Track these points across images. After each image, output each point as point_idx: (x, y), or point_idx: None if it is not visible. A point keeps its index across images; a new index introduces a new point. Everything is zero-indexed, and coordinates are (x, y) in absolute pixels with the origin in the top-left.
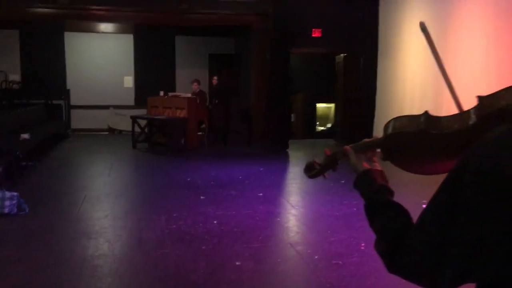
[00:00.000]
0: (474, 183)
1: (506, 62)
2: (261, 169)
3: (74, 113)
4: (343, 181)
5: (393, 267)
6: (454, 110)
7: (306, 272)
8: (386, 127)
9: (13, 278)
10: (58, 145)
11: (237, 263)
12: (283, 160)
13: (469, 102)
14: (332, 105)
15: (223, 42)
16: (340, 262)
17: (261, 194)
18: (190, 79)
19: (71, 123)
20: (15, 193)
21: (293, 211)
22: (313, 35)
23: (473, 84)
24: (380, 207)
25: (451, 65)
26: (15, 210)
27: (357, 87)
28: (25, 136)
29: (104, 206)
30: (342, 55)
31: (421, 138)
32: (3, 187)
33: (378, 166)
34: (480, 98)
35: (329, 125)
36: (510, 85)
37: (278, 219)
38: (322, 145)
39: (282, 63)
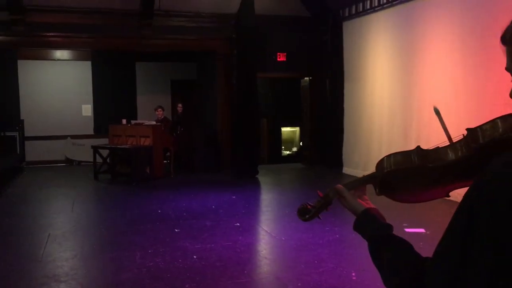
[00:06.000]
0: (487, 212)
1: (474, 87)
2: (234, 197)
3: (29, 144)
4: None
5: None
6: (425, 132)
7: None
8: (380, 164)
9: None
10: (13, 180)
11: None
12: (255, 186)
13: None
14: (297, 129)
15: (185, 68)
16: None
17: (238, 224)
18: (152, 106)
19: (25, 156)
20: None
21: (274, 241)
22: (278, 59)
23: (442, 113)
24: (386, 243)
25: (418, 91)
26: None
27: (324, 110)
28: None
29: (71, 245)
30: (307, 78)
31: (416, 172)
32: None
33: (370, 203)
34: (471, 130)
35: (295, 149)
36: (477, 113)
37: (260, 250)
38: (289, 170)
39: (249, 87)
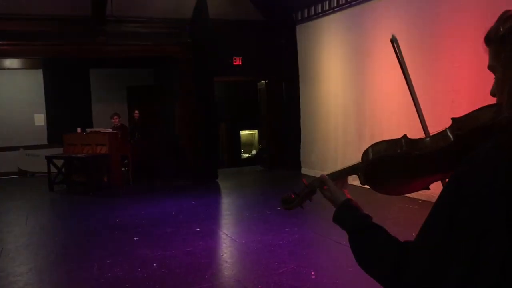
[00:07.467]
0: (470, 200)
1: (423, 86)
2: (194, 202)
3: None
4: (279, 208)
5: (397, 286)
6: (378, 130)
7: None
8: (366, 153)
9: None
10: None
11: None
12: (214, 190)
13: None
14: (256, 132)
15: (141, 74)
16: None
17: (198, 229)
18: (108, 113)
19: None
20: None
21: (235, 245)
22: (234, 63)
23: (394, 114)
24: (369, 232)
25: (370, 91)
26: None
27: (281, 112)
28: None
29: (25, 259)
30: (263, 81)
31: (403, 160)
32: None
33: (348, 194)
34: (455, 119)
35: (254, 152)
36: (427, 112)
37: (221, 254)
38: (248, 172)
39: (207, 92)
